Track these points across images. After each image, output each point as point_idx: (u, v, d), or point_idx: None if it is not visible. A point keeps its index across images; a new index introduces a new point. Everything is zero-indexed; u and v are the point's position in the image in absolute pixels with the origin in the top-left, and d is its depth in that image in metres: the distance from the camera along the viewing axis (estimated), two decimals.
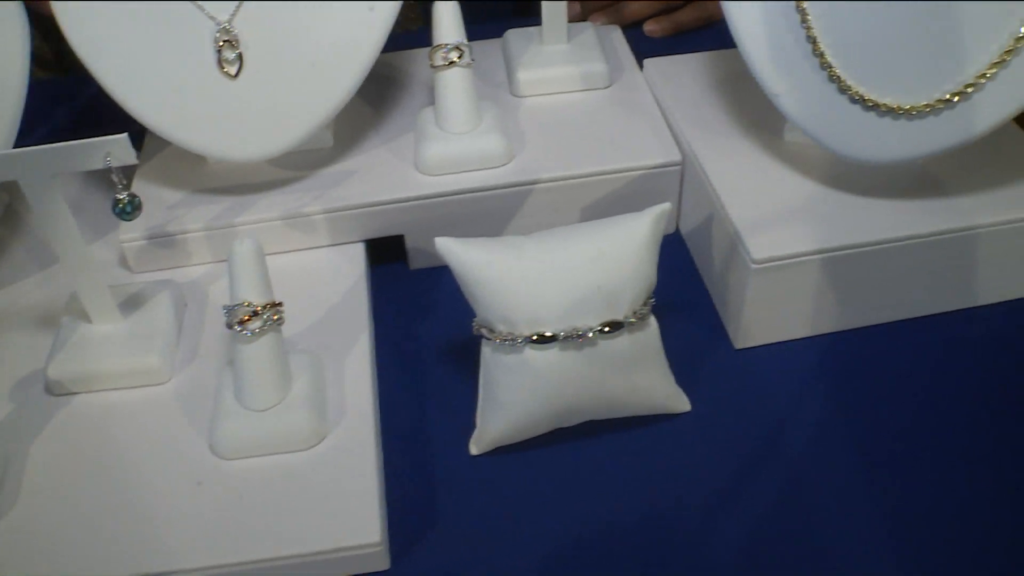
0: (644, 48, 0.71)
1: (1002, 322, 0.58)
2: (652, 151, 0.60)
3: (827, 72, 0.51)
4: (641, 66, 0.68)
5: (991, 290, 0.58)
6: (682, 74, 0.65)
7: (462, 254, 0.49)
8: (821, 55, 0.51)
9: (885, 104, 0.51)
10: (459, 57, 0.58)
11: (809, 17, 0.51)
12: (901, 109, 0.51)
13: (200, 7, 0.57)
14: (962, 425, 0.52)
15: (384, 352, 0.58)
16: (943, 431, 0.52)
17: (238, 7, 0.57)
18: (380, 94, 0.68)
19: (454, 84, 0.59)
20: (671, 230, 0.63)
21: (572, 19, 0.79)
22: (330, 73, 0.58)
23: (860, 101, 0.51)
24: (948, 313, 0.58)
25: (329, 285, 0.59)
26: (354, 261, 0.60)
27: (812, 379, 0.55)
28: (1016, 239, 0.55)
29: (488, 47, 0.70)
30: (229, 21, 0.57)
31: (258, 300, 0.48)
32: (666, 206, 0.50)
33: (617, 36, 0.71)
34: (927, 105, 0.50)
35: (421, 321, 0.60)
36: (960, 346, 0.56)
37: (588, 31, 0.68)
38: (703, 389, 0.54)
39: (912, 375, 0.55)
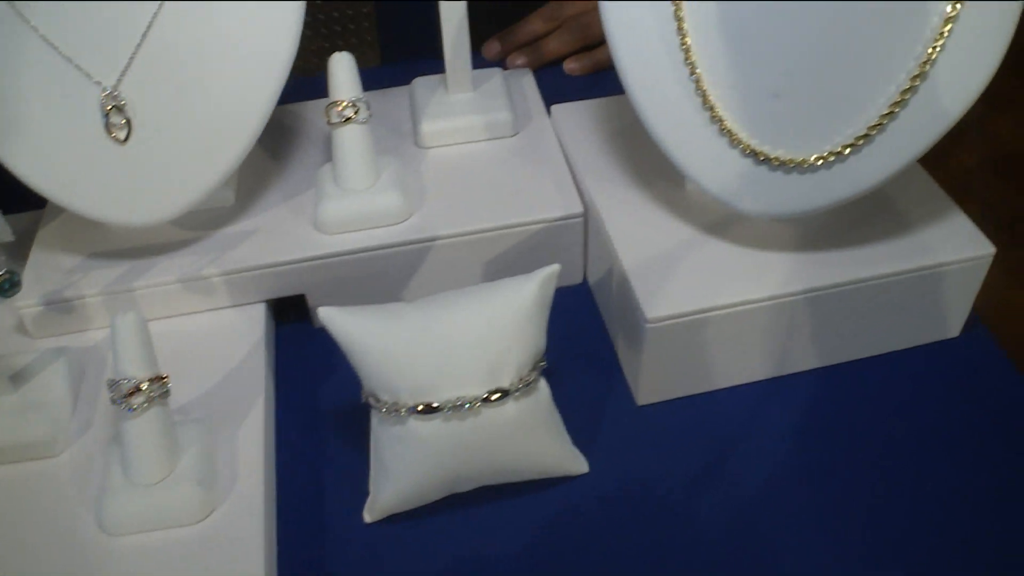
0: (565, 86, 0.70)
1: (900, 370, 0.57)
2: (554, 203, 0.59)
3: (718, 125, 0.51)
4: (550, 112, 0.67)
5: (889, 339, 0.57)
6: (589, 120, 0.64)
7: (344, 324, 0.49)
8: (711, 108, 0.50)
9: (776, 158, 0.50)
10: (355, 113, 0.57)
11: (698, 70, 0.50)
12: (793, 162, 0.50)
13: (86, 72, 0.56)
14: (863, 474, 0.52)
15: (285, 415, 0.57)
16: (846, 480, 0.51)
17: (125, 70, 0.56)
18: (286, 146, 0.67)
19: (350, 141, 0.58)
20: (578, 280, 0.63)
21: (492, 58, 0.78)
22: (222, 134, 0.57)
23: (752, 155, 0.50)
24: (853, 362, 0.57)
25: (227, 348, 0.58)
26: (254, 323, 0.59)
27: (714, 434, 0.54)
28: (917, 287, 0.54)
29: (399, 95, 0.69)
30: (116, 86, 0.56)
31: (141, 374, 0.47)
32: (554, 268, 0.49)
33: (527, 81, 0.70)
34: (819, 158, 0.49)
35: (323, 382, 0.59)
36: (862, 395, 0.56)
37: (496, 78, 0.67)
38: (603, 448, 0.53)
39: (818, 426, 0.54)
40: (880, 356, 0.58)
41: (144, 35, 0.55)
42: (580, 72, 0.78)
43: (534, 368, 0.49)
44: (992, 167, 2.18)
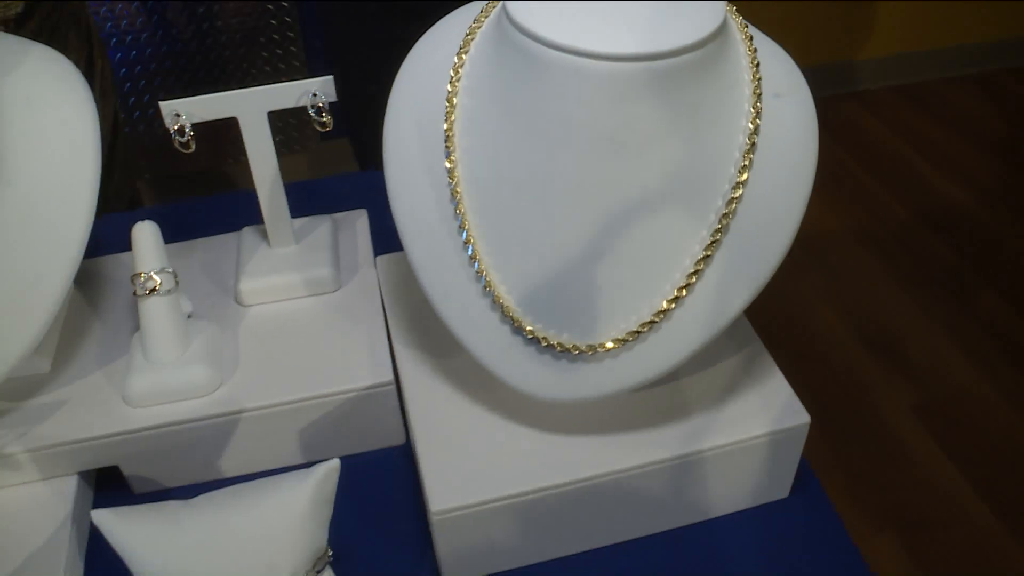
0: None
1: (730, 533, 0.57)
2: (365, 371, 0.58)
3: (500, 311, 0.50)
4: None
5: (716, 504, 0.56)
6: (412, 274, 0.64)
7: (119, 533, 0.47)
8: (494, 293, 0.50)
9: (560, 344, 0.49)
10: (159, 284, 0.57)
11: (480, 254, 0.50)
12: (578, 349, 0.49)
13: None
14: None
15: None
16: None
17: None
18: (110, 302, 0.66)
19: (156, 314, 0.57)
20: (401, 440, 0.62)
21: None
22: (17, 312, 0.56)
23: (535, 341, 0.50)
24: (681, 528, 0.57)
25: (33, 525, 0.57)
26: (63, 497, 0.58)
27: None
28: (733, 459, 0.53)
29: (228, 242, 0.69)
30: None
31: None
32: (333, 464, 0.49)
33: (361, 223, 0.69)
34: (602, 345, 0.49)
35: None
36: (691, 561, 0.55)
37: (324, 225, 0.67)
38: None
39: None
40: (710, 520, 0.57)
41: None
42: None
43: (314, 567, 0.48)
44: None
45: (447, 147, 0.48)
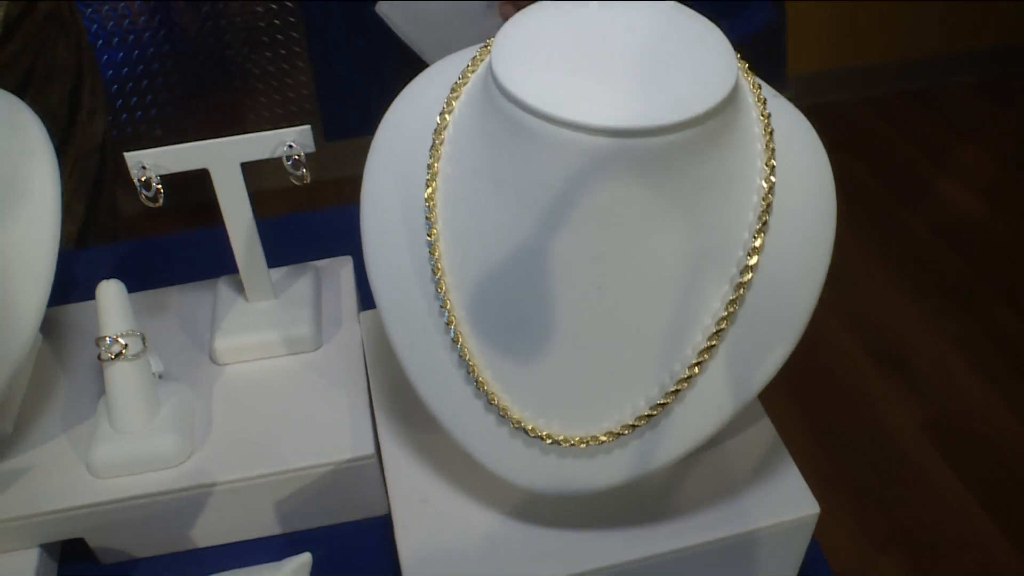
0: None
1: None
2: (345, 442, 0.54)
3: (485, 398, 0.46)
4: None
5: None
6: None
7: None
8: (477, 380, 0.46)
9: (549, 435, 0.45)
10: (125, 348, 0.53)
11: (462, 335, 0.46)
12: (568, 441, 0.45)
13: None
14: None
15: None
16: None
17: None
18: (78, 357, 0.62)
19: (122, 380, 0.53)
20: (383, 510, 0.58)
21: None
22: None
23: (523, 431, 0.46)
24: None
25: None
26: (24, 571, 0.55)
27: None
28: (729, 553, 0.50)
29: (205, 290, 0.65)
30: None
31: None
32: (304, 559, 0.45)
33: (346, 272, 0.65)
34: (594, 438, 0.45)
35: None
36: None
37: (306, 276, 0.63)
38: None
39: None
40: None
41: None
42: None
43: None
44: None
45: (428, 219, 0.44)
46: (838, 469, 1.69)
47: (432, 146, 0.44)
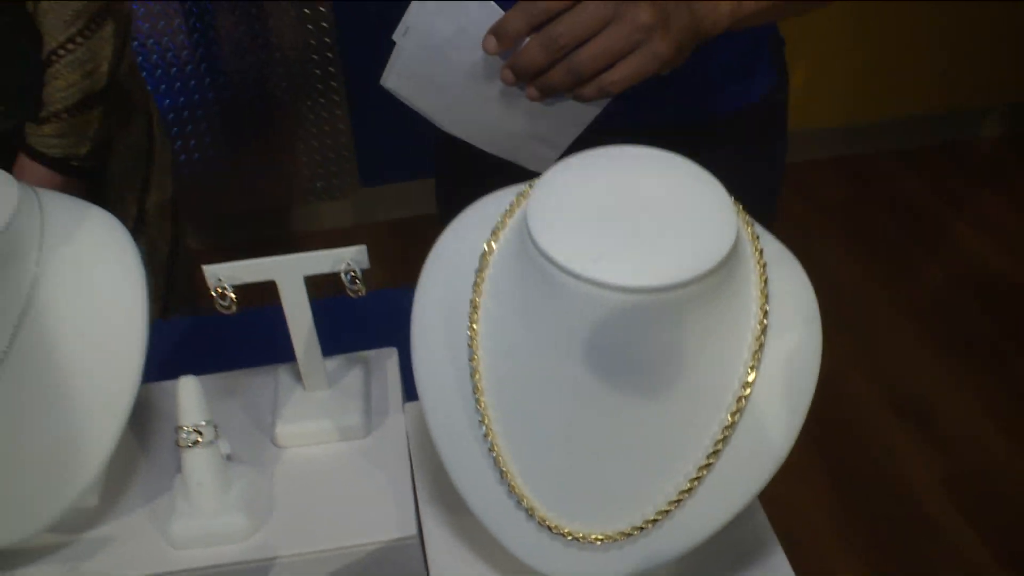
0: None
1: None
2: (389, 522, 0.62)
3: (516, 498, 0.53)
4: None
5: None
6: None
7: None
8: (510, 484, 0.53)
9: (570, 532, 0.52)
10: (200, 436, 0.61)
11: (498, 447, 0.53)
12: (586, 538, 0.52)
13: None
14: None
15: None
16: None
17: None
18: (158, 435, 0.70)
19: (197, 465, 0.61)
20: None
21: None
22: (80, 449, 0.60)
23: (548, 528, 0.53)
24: None
25: None
26: None
27: None
28: None
29: (266, 376, 0.73)
30: None
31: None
32: None
33: (392, 363, 0.73)
34: (609, 536, 0.52)
35: None
36: None
37: (356, 368, 0.71)
38: None
39: None
40: None
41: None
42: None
43: None
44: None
45: (470, 347, 0.52)
46: (855, 521, 1.72)
47: (475, 283, 0.52)
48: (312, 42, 2.31)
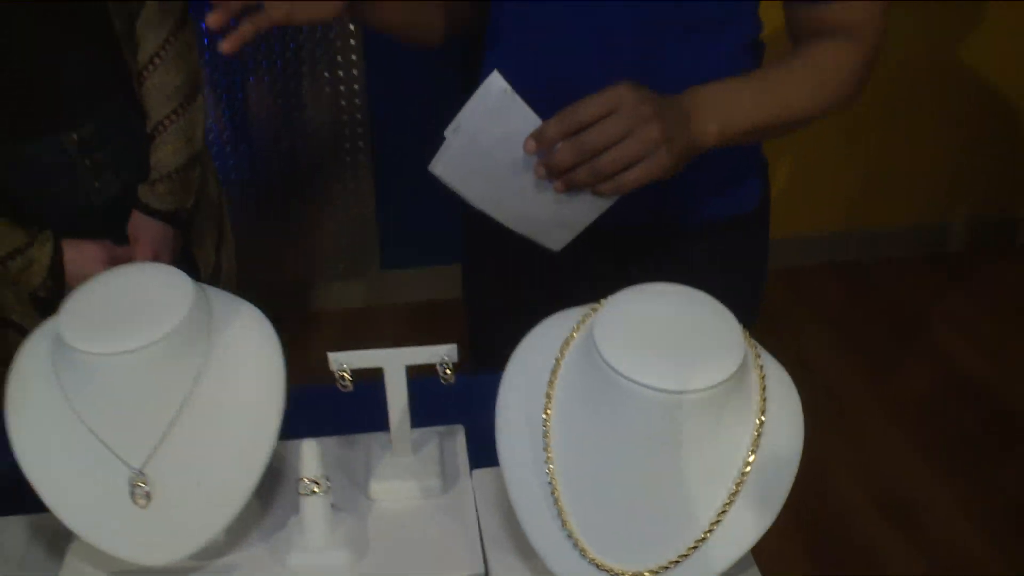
0: None
1: None
2: (461, 562, 0.79)
3: (573, 541, 0.70)
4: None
5: None
6: (502, 487, 0.84)
7: None
8: (568, 528, 0.70)
9: (613, 568, 0.69)
10: (317, 487, 0.77)
11: (561, 501, 0.70)
12: (625, 573, 0.69)
13: (118, 455, 0.75)
14: None
15: None
16: None
17: (150, 457, 0.76)
18: (276, 481, 0.87)
19: (312, 510, 0.78)
20: None
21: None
22: (224, 497, 0.77)
23: (595, 565, 0.69)
24: None
25: None
26: None
27: None
28: None
29: (359, 444, 0.90)
30: (142, 467, 0.76)
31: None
32: None
33: (460, 438, 0.90)
34: (650, 571, 0.68)
35: None
36: None
37: (433, 438, 0.88)
38: None
39: None
40: None
41: (167, 430, 0.76)
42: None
43: None
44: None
45: (544, 428, 0.70)
46: None
47: (549, 380, 0.70)
48: (344, 121, 2.45)
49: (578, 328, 0.72)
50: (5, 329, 1.36)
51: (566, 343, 0.71)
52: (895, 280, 2.83)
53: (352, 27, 2.35)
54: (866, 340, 2.56)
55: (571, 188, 0.86)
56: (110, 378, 0.74)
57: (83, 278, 1.26)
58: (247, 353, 0.79)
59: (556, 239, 0.96)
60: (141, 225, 1.31)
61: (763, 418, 0.68)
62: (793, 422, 0.69)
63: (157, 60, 1.25)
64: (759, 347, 0.71)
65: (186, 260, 1.43)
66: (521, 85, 0.84)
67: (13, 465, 0.76)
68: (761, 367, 0.69)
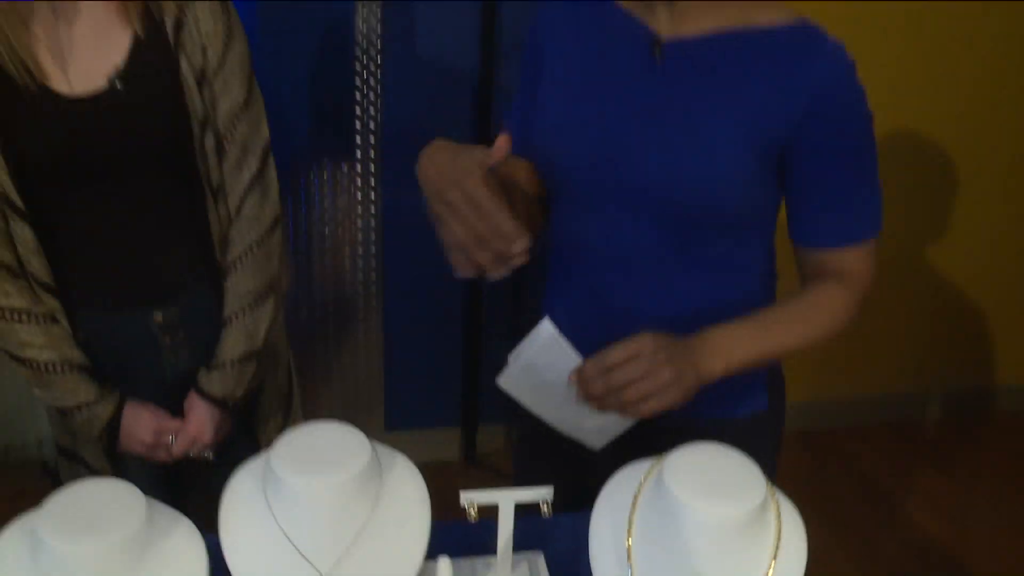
0: None
1: None
2: None
3: None
4: None
5: None
6: None
7: None
8: None
9: None
10: None
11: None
12: None
13: (307, 558, 1.03)
14: None
15: None
16: None
17: (338, 562, 1.03)
18: None
19: None
20: None
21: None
22: None
23: None
24: None
25: None
26: None
27: None
28: None
29: (470, 566, 1.18)
30: (330, 572, 1.03)
31: None
32: None
33: (541, 561, 1.19)
34: None
35: None
36: None
37: (524, 563, 1.17)
38: None
39: None
40: None
41: (354, 539, 1.03)
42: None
43: None
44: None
45: (628, 548, 1.00)
46: None
47: (630, 517, 1.01)
48: (359, 285, 2.65)
49: (647, 476, 1.03)
50: (77, 465, 1.58)
51: (638, 490, 1.02)
52: (863, 449, 3.02)
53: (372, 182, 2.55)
54: (837, 508, 2.74)
55: (603, 410, 1.16)
56: (313, 502, 1.02)
57: (134, 439, 1.52)
58: (404, 490, 1.08)
59: (591, 442, 1.28)
60: (194, 404, 1.50)
61: (778, 544, 0.98)
62: (799, 552, 1.00)
63: (239, 264, 1.48)
64: (776, 489, 1.02)
65: (248, 436, 1.62)
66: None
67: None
68: (778, 504, 1.01)
